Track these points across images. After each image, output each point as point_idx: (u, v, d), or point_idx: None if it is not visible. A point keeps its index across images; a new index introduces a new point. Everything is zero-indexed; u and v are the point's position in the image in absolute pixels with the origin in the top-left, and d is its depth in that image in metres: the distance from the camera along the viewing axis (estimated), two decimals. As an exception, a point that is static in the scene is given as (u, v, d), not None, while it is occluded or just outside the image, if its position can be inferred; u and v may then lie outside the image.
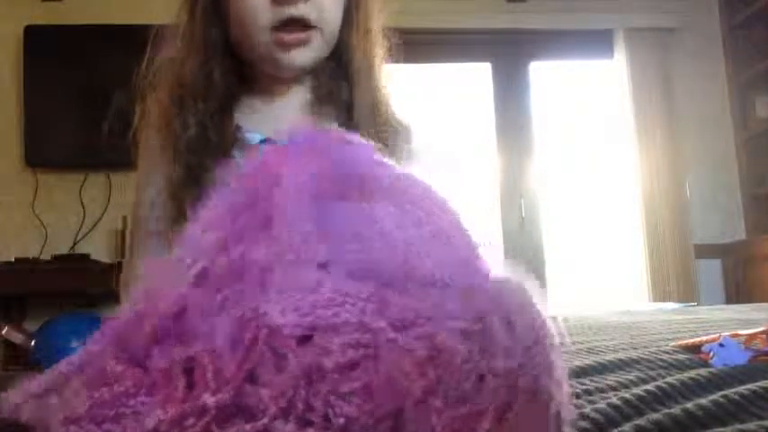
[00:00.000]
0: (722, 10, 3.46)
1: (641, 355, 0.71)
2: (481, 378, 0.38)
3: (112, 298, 2.24)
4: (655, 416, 0.49)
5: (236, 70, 0.85)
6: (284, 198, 0.44)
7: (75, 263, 2.69)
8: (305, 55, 0.79)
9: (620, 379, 0.62)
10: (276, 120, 0.83)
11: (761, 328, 0.70)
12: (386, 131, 0.85)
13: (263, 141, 0.81)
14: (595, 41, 3.42)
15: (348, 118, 0.84)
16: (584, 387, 0.61)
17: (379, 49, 0.90)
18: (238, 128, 0.82)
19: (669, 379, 0.58)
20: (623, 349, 0.80)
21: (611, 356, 0.73)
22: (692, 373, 0.59)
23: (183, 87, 0.82)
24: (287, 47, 0.78)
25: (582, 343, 0.90)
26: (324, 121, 0.83)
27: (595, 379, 0.64)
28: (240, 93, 0.85)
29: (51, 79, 2.93)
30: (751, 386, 0.54)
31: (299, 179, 0.45)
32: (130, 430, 0.37)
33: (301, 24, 0.77)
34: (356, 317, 0.38)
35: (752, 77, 3.33)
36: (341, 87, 0.85)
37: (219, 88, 0.82)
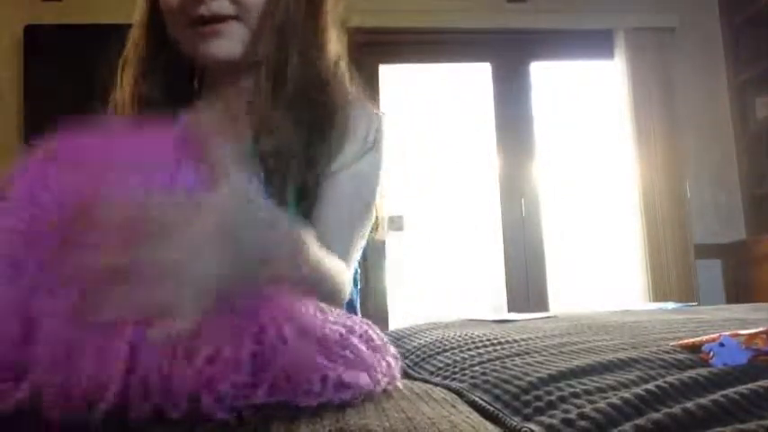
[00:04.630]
0: (722, 10, 3.46)
1: (641, 355, 0.71)
2: None
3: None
4: (655, 415, 0.49)
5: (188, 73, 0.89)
6: None
7: (75, 263, 2.69)
8: (222, 45, 0.80)
9: (620, 378, 0.62)
10: (221, 110, 0.85)
11: (761, 328, 0.70)
12: (333, 108, 0.83)
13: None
14: (595, 41, 3.42)
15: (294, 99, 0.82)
16: (584, 387, 0.61)
17: (327, 31, 0.88)
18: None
19: (669, 378, 0.58)
20: (623, 349, 0.80)
21: (611, 356, 0.73)
22: (692, 373, 0.59)
23: (135, 84, 0.87)
24: (204, 37, 0.80)
25: (582, 342, 0.90)
26: (270, 105, 0.81)
27: (595, 378, 0.64)
28: (194, 97, 0.89)
29: (51, 79, 2.93)
30: (751, 386, 0.54)
31: None
32: None
33: (215, 20, 0.79)
34: None
35: (752, 78, 3.33)
36: (286, 72, 0.83)
37: (162, 86, 0.86)
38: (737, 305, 2.04)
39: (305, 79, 0.83)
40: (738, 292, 3.17)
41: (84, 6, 3.06)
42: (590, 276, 3.37)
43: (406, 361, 1.04)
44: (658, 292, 3.15)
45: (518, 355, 0.85)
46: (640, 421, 0.49)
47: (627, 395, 0.55)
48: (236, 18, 0.80)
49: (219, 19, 0.79)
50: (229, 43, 0.80)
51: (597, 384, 0.61)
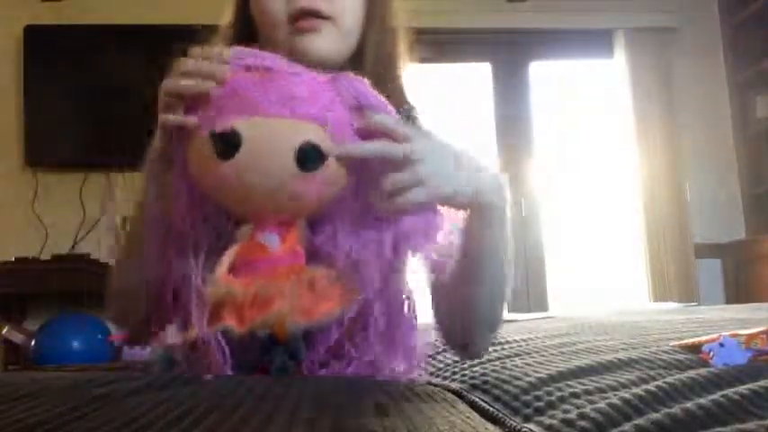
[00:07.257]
0: (722, 10, 3.46)
1: (641, 355, 0.71)
2: None
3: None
4: (655, 415, 0.49)
5: None
6: None
7: (75, 263, 2.69)
8: (318, 42, 0.83)
9: (620, 379, 0.62)
10: None
11: (761, 328, 0.70)
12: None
13: None
14: (595, 41, 3.42)
15: None
16: (584, 387, 0.61)
17: (400, 46, 0.94)
18: None
19: (669, 379, 0.58)
20: (623, 349, 0.80)
21: (611, 356, 0.73)
22: (693, 373, 0.59)
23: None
24: (302, 32, 0.82)
25: (582, 343, 0.91)
26: None
27: (595, 379, 0.64)
28: None
29: (51, 79, 2.93)
30: (751, 386, 0.54)
31: None
32: None
33: (314, 15, 0.82)
34: None
35: (752, 77, 3.33)
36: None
37: None
38: (737, 305, 2.04)
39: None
40: (738, 291, 3.16)
41: (84, 7, 3.06)
42: (590, 276, 3.37)
43: (406, 361, 1.04)
44: (658, 292, 3.15)
45: (518, 355, 0.85)
46: (640, 421, 0.49)
47: (627, 395, 0.55)
48: (329, 19, 0.83)
49: (317, 15, 0.82)
50: (326, 43, 0.83)
51: (597, 384, 0.61)
